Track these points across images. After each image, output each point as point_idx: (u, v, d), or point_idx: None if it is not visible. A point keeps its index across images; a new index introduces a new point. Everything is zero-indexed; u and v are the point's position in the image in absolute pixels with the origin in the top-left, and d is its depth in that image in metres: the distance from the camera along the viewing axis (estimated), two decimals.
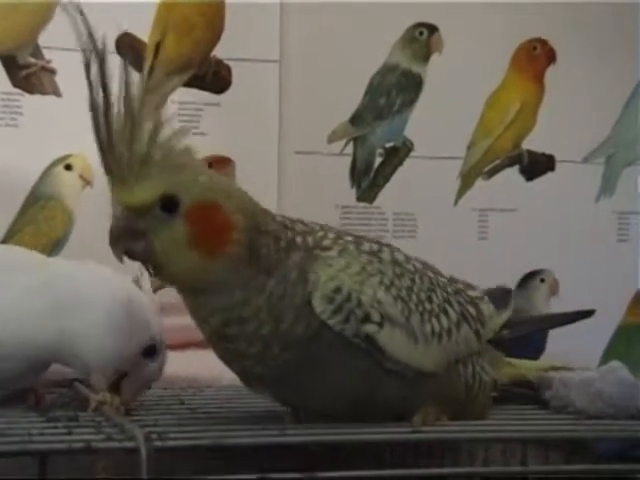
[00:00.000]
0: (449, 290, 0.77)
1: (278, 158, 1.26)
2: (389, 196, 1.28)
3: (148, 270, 0.69)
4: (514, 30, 1.30)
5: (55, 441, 0.67)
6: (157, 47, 1.21)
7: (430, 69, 1.28)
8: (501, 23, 1.30)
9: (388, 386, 0.71)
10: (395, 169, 1.28)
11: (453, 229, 1.29)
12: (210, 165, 1.20)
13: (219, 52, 1.24)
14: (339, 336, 0.68)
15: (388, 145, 1.28)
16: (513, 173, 1.32)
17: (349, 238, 0.74)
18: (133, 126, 0.66)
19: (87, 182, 1.18)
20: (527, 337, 0.91)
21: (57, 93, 1.20)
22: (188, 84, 1.23)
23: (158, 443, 0.64)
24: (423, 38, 1.26)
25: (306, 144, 1.27)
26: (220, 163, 1.21)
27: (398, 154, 1.28)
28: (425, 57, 1.27)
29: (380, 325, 0.69)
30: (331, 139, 1.27)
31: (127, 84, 0.67)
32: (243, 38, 1.24)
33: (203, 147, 1.19)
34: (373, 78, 1.26)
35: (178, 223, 0.67)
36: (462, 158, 1.30)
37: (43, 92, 1.21)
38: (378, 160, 1.28)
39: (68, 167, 1.19)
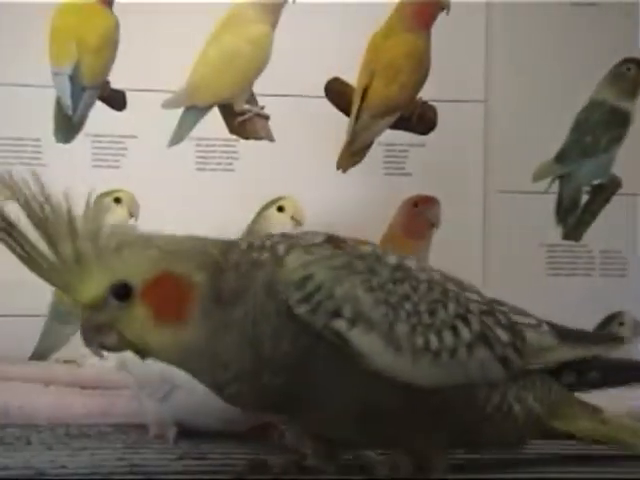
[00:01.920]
0: (472, 308, 0.71)
1: (483, 197, 1.28)
2: (596, 234, 1.27)
3: (140, 357, 0.68)
4: None
5: None
6: (365, 91, 1.26)
7: (638, 105, 1.26)
8: None
9: (382, 399, 0.66)
10: (602, 206, 1.27)
11: None
12: (416, 204, 1.25)
13: (425, 94, 1.27)
14: (324, 343, 0.64)
15: (594, 182, 1.27)
16: None
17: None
18: (47, 234, 0.64)
19: (298, 222, 1.24)
20: None
21: (270, 138, 1.27)
22: (394, 126, 1.28)
23: None
24: (631, 74, 1.25)
25: (511, 183, 1.28)
26: (426, 202, 1.25)
27: (605, 191, 1.27)
28: (633, 93, 1.26)
29: (352, 323, 0.64)
30: (536, 177, 1.28)
31: (24, 202, 0.64)
32: (449, 79, 1.27)
33: (409, 187, 1.28)
34: (579, 115, 1.26)
35: (137, 305, 0.65)
36: None
37: (257, 137, 1.27)
38: (584, 198, 1.27)
39: (280, 209, 1.24)
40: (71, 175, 1.16)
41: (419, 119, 1.28)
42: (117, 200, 1.23)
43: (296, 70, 1.26)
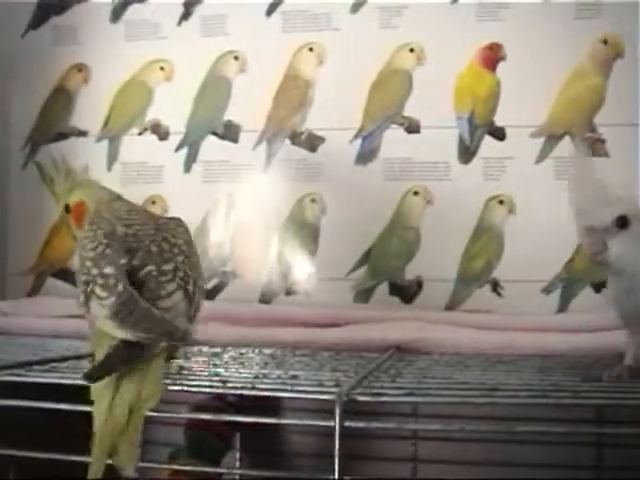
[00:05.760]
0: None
1: None
2: None
3: None
4: None
5: (614, 397, 0.78)
6: None
7: None
8: None
9: None
10: None
11: None
12: None
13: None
14: None
15: None
16: None
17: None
18: (64, 179, 1.10)
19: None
20: None
21: (606, 155, 1.51)
22: None
23: None
24: None
25: None
26: None
27: None
28: None
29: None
30: None
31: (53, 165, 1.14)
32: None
33: None
34: None
35: (70, 217, 1.09)
36: None
37: (598, 155, 1.50)
38: None
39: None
40: (469, 185, 1.58)
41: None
42: (500, 202, 1.56)
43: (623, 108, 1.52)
